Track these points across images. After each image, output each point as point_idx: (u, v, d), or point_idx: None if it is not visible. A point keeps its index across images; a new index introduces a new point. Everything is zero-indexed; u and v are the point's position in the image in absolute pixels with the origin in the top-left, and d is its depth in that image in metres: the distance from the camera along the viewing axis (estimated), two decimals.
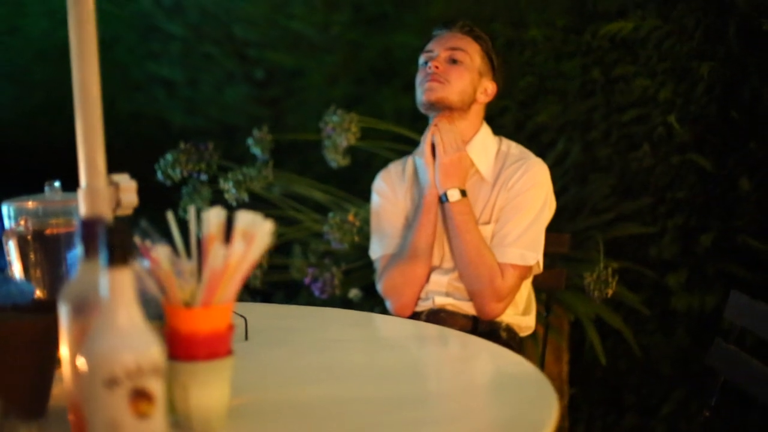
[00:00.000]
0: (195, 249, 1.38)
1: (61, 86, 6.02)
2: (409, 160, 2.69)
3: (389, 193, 2.67)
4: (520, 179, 2.51)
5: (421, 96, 2.54)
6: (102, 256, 1.14)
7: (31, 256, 1.67)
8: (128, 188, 1.50)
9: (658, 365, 3.70)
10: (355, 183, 3.76)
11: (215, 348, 1.36)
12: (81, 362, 1.13)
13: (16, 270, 1.66)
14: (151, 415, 1.13)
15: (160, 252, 1.31)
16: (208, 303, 1.34)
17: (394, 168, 2.73)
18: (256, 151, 3.23)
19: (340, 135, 3.09)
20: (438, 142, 2.50)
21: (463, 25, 2.60)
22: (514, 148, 2.61)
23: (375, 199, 2.69)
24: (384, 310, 2.76)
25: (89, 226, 1.23)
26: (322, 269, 3.08)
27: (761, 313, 1.93)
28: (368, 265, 3.29)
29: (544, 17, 3.94)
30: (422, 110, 2.57)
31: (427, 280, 2.57)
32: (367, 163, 3.65)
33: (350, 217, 3.02)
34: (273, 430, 1.41)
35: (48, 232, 1.68)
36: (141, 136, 5.49)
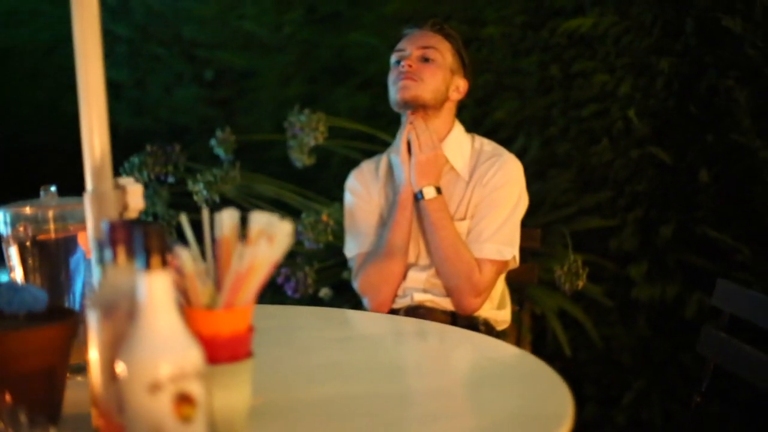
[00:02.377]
0: (210, 250, 1.38)
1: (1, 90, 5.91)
2: (384, 158, 2.70)
3: (363, 191, 2.68)
4: (495, 175, 2.54)
5: (395, 95, 2.55)
6: (138, 260, 1.12)
7: (30, 261, 1.65)
8: (135, 191, 1.49)
9: (619, 356, 3.75)
10: (312, 182, 3.76)
11: (237, 350, 1.35)
12: (121, 368, 1.12)
13: (18, 276, 1.63)
14: (193, 418, 1.12)
15: (183, 254, 1.30)
16: (231, 304, 1.33)
17: (366, 166, 2.73)
18: (219, 151, 3.21)
19: (308, 134, 3.08)
20: (414, 140, 2.52)
21: (434, 23, 2.62)
22: (487, 144, 2.65)
23: (348, 197, 2.70)
24: (353, 308, 2.76)
25: (117, 230, 1.21)
26: (295, 269, 3.07)
27: (749, 298, 1.98)
28: (338, 264, 3.29)
29: (502, 14, 3.96)
30: (396, 109, 2.58)
31: (404, 277, 2.59)
32: (325, 162, 3.65)
33: (324, 217, 3.01)
34: (294, 429, 1.41)
35: (47, 237, 1.65)
36: None
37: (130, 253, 1.22)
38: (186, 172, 3.12)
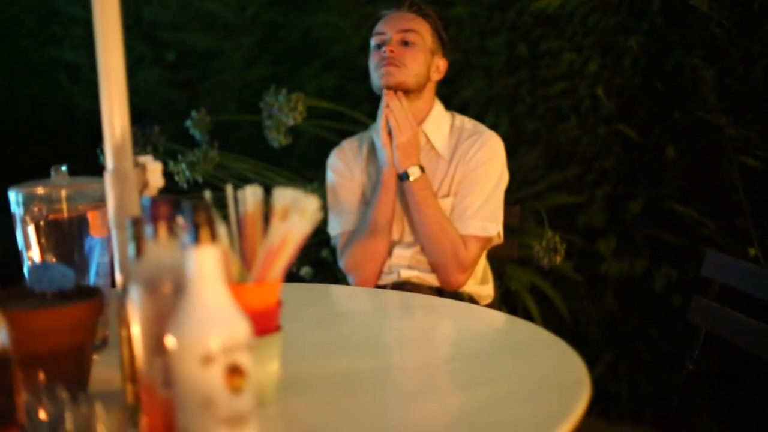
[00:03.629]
0: (234, 226, 1.40)
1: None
2: (367, 136, 2.72)
3: (344, 170, 2.70)
4: (477, 153, 2.59)
5: (378, 81, 2.58)
6: (188, 234, 1.15)
7: (44, 241, 1.65)
8: (155, 169, 1.50)
9: (587, 329, 3.82)
10: (282, 160, 3.77)
11: (268, 323, 1.38)
12: (171, 341, 1.14)
13: (35, 255, 1.64)
14: (243, 389, 1.15)
15: (218, 230, 1.32)
16: (263, 278, 1.36)
17: (348, 145, 2.76)
18: (195, 132, 3.21)
19: (286, 114, 3.09)
20: (393, 123, 2.54)
21: (412, 3, 2.64)
22: (467, 122, 2.69)
23: (330, 176, 2.72)
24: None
25: (158, 206, 1.23)
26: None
27: (739, 267, 2.05)
28: (318, 243, 3.31)
29: None
30: (378, 93, 2.61)
31: (390, 254, 2.63)
32: (293, 142, 3.67)
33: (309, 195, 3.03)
34: (321, 399, 1.43)
35: (59, 216, 1.66)
36: (46, 122, 5.37)
37: (172, 229, 1.24)
38: (165, 153, 3.12)
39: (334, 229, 2.69)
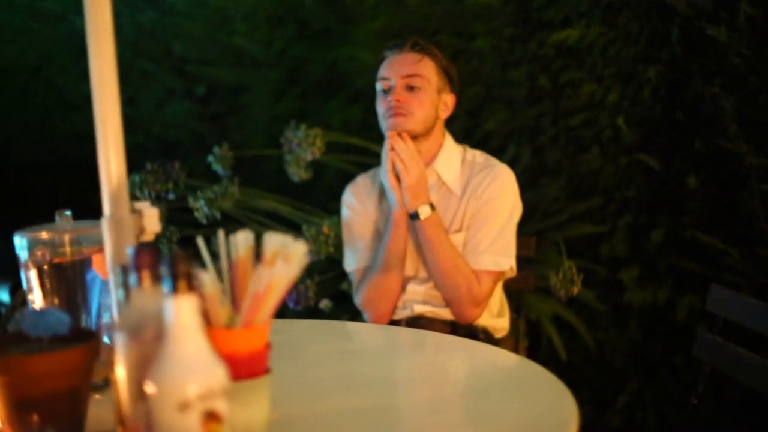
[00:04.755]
0: (226, 271, 1.43)
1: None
2: (378, 172, 2.74)
3: (358, 206, 2.72)
4: (488, 187, 2.59)
5: (387, 130, 2.58)
6: (165, 285, 1.18)
7: (48, 284, 1.70)
8: (151, 215, 1.54)
9: (612, 359, 3.81)
10: (307, 194, 3.81)
11: (256, 367, 1.41)
12: (150, 387, 1.17)
13: (37, 299, 1.68)
14: None
15: (204, 277, 1.35)
16: (250, 323, 1.39)
17: (362, 181, 2.78)
18: (217, 167, 3.26)
19: (304, 150, 3.14)
20: (399, 165, 2.53)
21: (414, 43, 2.61)
22: (479, 156, 2.69)
23: (345, 212, 2.75)
24: (352, 319, 2.82)
25: (142, 254, 1.27)
26: (296, 282, 3.11)
27: (745, 304, 2.05)
28: (338, 276, 3.34)
29: (490, 27, 4.02)
30: None
31: (403, 290, 2.64)
32: (318, 175, 3.70)
33: (325, 229, 3.07)
34: None
35: (63, 260, 1.70)
36: (78, 156, 5.46)
37: (156, 277, 1.27)
38: (185, 189, 3.17)
39: (350, 265, 2.71)
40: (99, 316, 1.72)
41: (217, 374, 1.18)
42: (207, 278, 1.35)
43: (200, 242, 1.47)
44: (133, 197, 3.07)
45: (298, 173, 3.24)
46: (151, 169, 3.09)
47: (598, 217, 3.76)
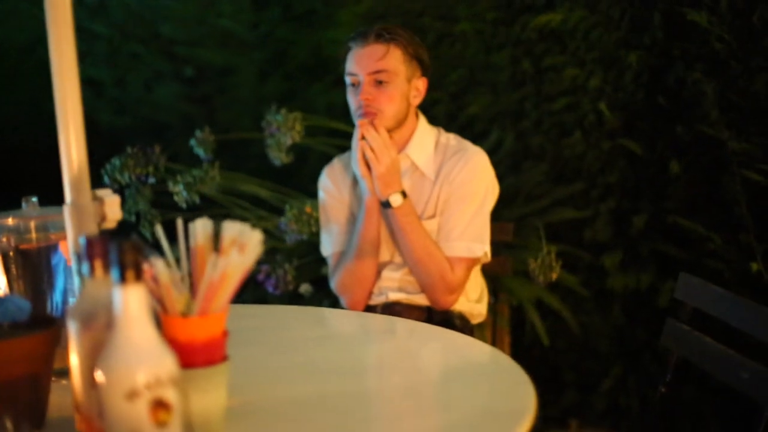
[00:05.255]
0: (184, 258, 1.44)
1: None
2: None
3: (334, 190, 2.72)
4: (461, 172, 2.58)
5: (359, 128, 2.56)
6: (113, 274, 1.19)
7: (13, 270, 1.70)
8: (112, 203, 1.54)
9: (596, 343, 3.82)
10: (292, 177, 3.81)
11: (212, 354, 1.41)
12: (99, 376, 1.18)
13: (1, 284, 1.69)
14: (169, 423, 1.19)
15: (158, 265, 1.36)
16: (205, 312, 1.39)
17: (338, 163, 2.77)
18: (199, 151, 3.25)
19: (285, 134, 3.14)
20: (369, 154, 2.51)
21: (378, 34, 2.54)
22: (452, 139, 2.67)
23: (321, 195, 2.74)
24: (333, 304, 2.82)
25: (93, 244, 1.27)
26: (275, 266, 3.13)
27: (711, 293, 2.05)
28: (317, 260, 3.35)
29: (474, 11, 4.01)
30: None
31: (379, 276, 2.64)
32: (303, 158, 3.70)
33: (307, 209, 3.06)
34: (267, 429, 1.47)
35: (29, 247, 1.71)
36: None
37: (107, 267, 1.28)
38: (166, 172, 3.17)
39: (326, 249, 2.71)
40: (65, 301, 1.73)
41: (165, 363, 1.19)
42: (161, 266, 1.35)
43: (158, 230, 1.47)
44: (114, 181, 3.09)
45: (279, 157, 3.24)
46: (132, 153, 3.09)
47: (581, 201, 3.77)
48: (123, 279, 1.18)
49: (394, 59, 2.53)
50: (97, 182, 2.98)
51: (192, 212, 3.18)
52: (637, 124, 3.65)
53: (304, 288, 3.41)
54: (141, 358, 1.18)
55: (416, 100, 2.62)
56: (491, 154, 2.70)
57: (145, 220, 3.18)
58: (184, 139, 3.31)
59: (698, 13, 3.21)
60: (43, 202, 1.80)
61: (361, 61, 2.53)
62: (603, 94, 3.69)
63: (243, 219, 3.44)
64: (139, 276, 1.19)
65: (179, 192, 3.04)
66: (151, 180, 3.13)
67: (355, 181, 2.70)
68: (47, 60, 1.55)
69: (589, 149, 3.75)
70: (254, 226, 3.27)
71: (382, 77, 2.52)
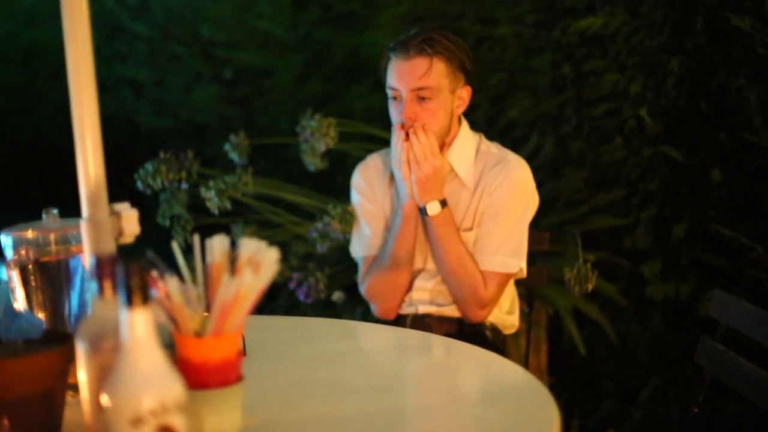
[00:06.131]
0: (201, 276, 1.42)
1: (24, 89, 6.01)
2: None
3: (367, 191, 2.65)
4: (502, 184, 2.50)
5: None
6: (120, 296, 1.16)
7: (33, 283, 1.69)
8: (130, 217, 1.52)
9: (635, 353, 3.77)
10: (329, 182, 3.78)
11: (226, 375, 1.39)
12: (105, 400, 1.15)
13: (20, 298, 1.68)
14: None
15: (171, 283, 1.34)
16: (219, 332, 1.36)
17: (373, 162, 2.69)
18: (233, 156, 3.23)
19: (318, 140, 3.11)
20: (411, 158, 2.43)
21: (420, 48, 2.43)
22: (493, 148, 2.58)
23: (354, 195, 2.68)
24: (366, 311, 2.79)
25: (103, 265, 1.25)
26: (306, 274, 3.09)
27: (746, 312, 1.98)
28: (350, 267, 3.31)
29: (514, 14, 3.96)
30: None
31: (411, 285, 2.60)
32: (341, 162, 3.66)
33: (350, 209, 2.99)
34: None
35: (48, 259, 1.69)
36: (110, 138, 5.49)
37: (116, 288, 1.25)
38: (200, 177, 3.15)
39: (357, 251, 2.66)
40: (84, 315, 1.71)
41: (171, 389, 1.16)
42: (172, 285, 1.33)
43: (175, 247, 1.45)
44: (147, 186, 3.08)
45: (314, 162, 3.20)
46: (165, 158, 3.07)
47: (621, 209, 3.70)
48: (130, 302, 1.15)
49: (437, 74, 2.43)
50: (133, 186, 2.98)
51: (226, 217, 3.16)
52: (679, 130, 3.58)
53: (337, 295, 3.38)
54: (146, 384, 1.15)
55: (460, 110, 2.54)
56: (530, 159, 2.64)
57: (178, 225, 3.17)
58: (222, 141, 3.29)
59: (742, 18, 3.14)
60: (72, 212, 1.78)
61: (403, 77, 2.44)
62: (644, 100, 3.62)
63: (275, 224, 3.43)
64: (146, 299, 1.16)
65: (211, 198, 3.01)
66: (184, 185, 3.11)
67: (392, 181, 2.62)
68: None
69: (630, 156, 3.69)
70: (288, 231, 3.26)
71: (426, 94, 2.42)
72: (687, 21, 3.48)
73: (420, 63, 2.42)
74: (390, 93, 2.49)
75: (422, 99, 2.43)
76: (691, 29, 3.48)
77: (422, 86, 2.42)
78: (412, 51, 2.42)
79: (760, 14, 3.13)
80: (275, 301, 3.83)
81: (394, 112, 2.50)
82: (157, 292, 1.35)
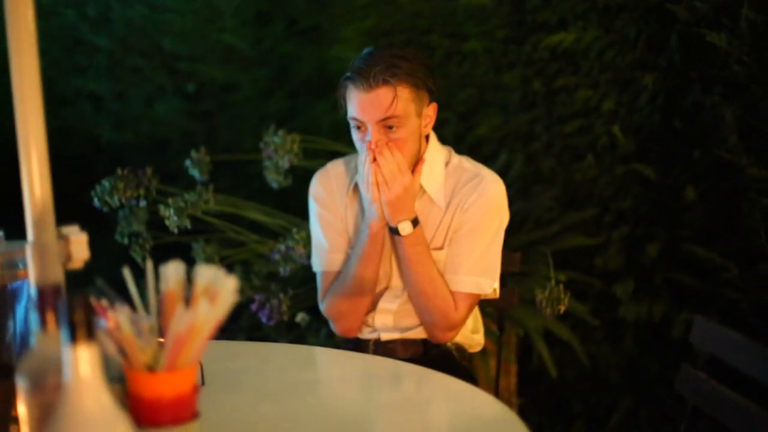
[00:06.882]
0: (154, 305, 1.32)
1: None
2: (354, 162, 2.52)
3: (327, 199, 2.52)
4: (476, 201, 2.39)
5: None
6: (63, 332, 1.05)
7: None
8: (79, 241, 1.42)
9: (607, 374, 3.71)
10: (293, 199, 3.67)
11: (181, 412, 1.30)
12: None
13: None
14: None
15: (120, 314, 1.24)
16: (173, 366, 1.26)
17: (334, 169, 2.56)
18: (194, 172, 3.12)
19: (282, 156, 3.01)
20: (380, 180, 2.29)
21: (383, 79, 2.24)
22: (465, 162, 2.47)
23: (312, 206, 2.55)
24: (331, 332, 2.69)
25: (45, 296, 1.14)
26: (269, 295, 2.98)
27: (728, 339, 1.90)
28: (314, 288, 3.21)
29: (484, 29, 3.88)
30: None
31: (374, 307, 2.50)
32: (305, 179, 3.56)
33: (298, 249, 2.91)
34: None
35: None
36: (70, 152, 5.36)
37: (60, 322, 1.15)
38: (159, 194, 3.04)
39: (316, 265, 2.54)
40: (25, 347, 1.59)
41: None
42: (122, 316, 1.23)
43: (126, 273, 1.35)
44: (104, 203, 2.96)
45: (277, 180, 3.11)
46: (122, 175, 2.95)
47: (593, 228, 3.64)
48: (73, 338, 1.05)
49: (403, 101, 2.27)
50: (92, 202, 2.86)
51: (187, 235, 3.05)
52: (652, 148, 3.52)
53: (301, 317, 3.26)
54: (90, 428, 1.04)
55: (428, 129, 2.41)
56: (500, 177, 2.54)
57: (136, 243, 3.05)
58: (184, 156, 3.18)
59: (717, 34, 3.07)
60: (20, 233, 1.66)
61: (367, 110, 2.28)
62: (617, 117, 3.56)
63: (239, 243, 3.33)
64: (91, 335, 1.06)
65: (169, 217, 2.90)
66: (142, 203, 3.00)
67: (355, 190, 2.49)
68: (48, 74, 1.42)
69: (602, 174, 3.62)
70: (250, 250, 3.16)
71: (393, 122, 2.27)
72: (661, 37, 3.42)
73: (384, 94, 2.25)
74: (353, 123, 2.34)
75: (389, 127, 2.28)
76: (665, 45, 3.42)
77: (389, 116, 2.26)
78: (374, 82, 2.24)
79: (736, 31, 3.07)
80: (237, 321, 3.72)
81: (359, 140, 2.35)
82: (106, 322, 1.25)
